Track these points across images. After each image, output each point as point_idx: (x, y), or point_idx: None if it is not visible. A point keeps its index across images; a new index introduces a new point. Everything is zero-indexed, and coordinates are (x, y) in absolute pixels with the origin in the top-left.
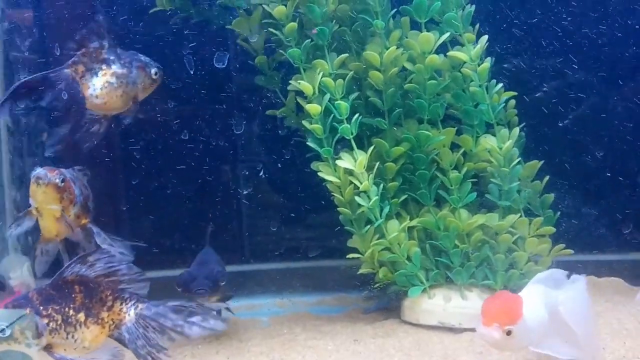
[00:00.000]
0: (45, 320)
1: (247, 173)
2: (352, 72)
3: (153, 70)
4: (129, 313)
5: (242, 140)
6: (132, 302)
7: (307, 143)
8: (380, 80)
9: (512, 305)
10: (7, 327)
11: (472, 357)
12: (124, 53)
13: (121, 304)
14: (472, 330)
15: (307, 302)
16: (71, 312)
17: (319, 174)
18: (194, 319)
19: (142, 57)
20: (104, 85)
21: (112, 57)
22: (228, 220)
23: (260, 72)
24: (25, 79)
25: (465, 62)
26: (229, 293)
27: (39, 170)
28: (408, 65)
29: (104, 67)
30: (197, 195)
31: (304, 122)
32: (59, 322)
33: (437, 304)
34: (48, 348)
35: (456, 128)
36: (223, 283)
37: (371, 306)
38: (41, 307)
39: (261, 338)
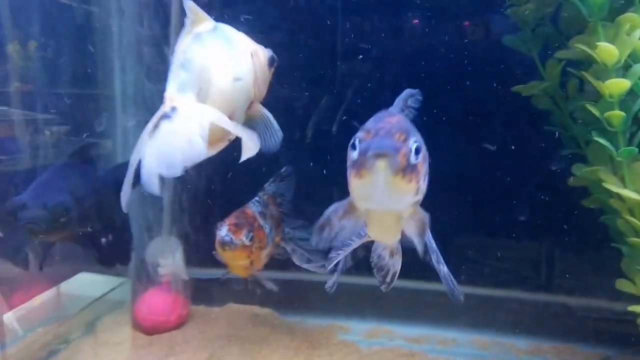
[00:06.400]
0: None
1: None
2: None
3: None
4: None
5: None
6: None
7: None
8: None
9: None
10: None
11: None
12: None
13: None
14: None
15: (517, 347)
16: None
17: (604, 184)
18: None
19: None
20: None
21: None
22: None
23: (513, 30)
24: None
25: None
26: None
27: (224, 234)
28: None
29: None
30: None
31: (589, 106)
32: None
33: None
34: None
35: None
36: None
37: None
38: None
39: None
